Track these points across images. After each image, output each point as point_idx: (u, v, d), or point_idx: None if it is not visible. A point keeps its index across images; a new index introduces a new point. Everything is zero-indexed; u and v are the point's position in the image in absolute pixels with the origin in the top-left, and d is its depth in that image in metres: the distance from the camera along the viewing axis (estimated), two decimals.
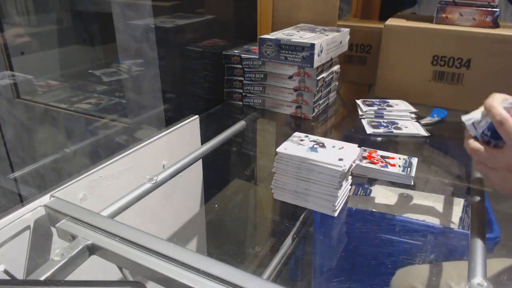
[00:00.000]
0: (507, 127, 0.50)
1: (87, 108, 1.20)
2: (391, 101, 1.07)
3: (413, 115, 1.02)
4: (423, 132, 0.94)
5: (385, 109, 1.03)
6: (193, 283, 0.42)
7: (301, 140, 0.72)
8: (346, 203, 0.71)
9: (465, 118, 0.57)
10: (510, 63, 0.99)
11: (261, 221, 1.17)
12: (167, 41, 1.02)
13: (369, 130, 0.95)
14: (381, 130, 0.95)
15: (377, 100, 1.08)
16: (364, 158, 0.79)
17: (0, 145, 1.14)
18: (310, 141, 0.71)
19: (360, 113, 1.03)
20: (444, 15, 1.07)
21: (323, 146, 0.70)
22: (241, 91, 1.08)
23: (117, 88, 1.23)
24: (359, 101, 1.07)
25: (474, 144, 0.55)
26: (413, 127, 0.96)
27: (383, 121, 0.99)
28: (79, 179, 0.63)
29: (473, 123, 0.56)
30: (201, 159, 0.84)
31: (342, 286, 0.72)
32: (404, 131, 0.95)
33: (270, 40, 0.97)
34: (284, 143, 0.70)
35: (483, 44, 1.00)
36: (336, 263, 0.76)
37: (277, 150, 0.68)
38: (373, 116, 1.02)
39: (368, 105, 1.04)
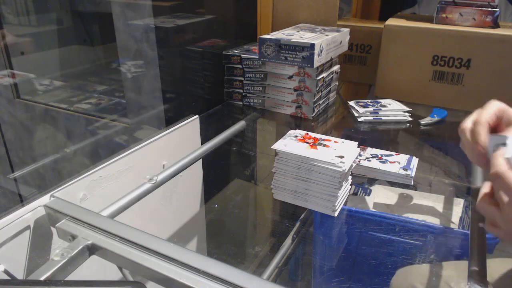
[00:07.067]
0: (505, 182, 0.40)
1: (87, 108, 1.20)
2: (383, 101, 1.08)
3: (407, 114, 1.02)
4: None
5: (380, 109, 1.03)
6: (193, 283, 0.42)
7: (296, 136, 0.72)
8: (346, 203, 0.71)
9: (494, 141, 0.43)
10: (510, 63, 0.99)
11: (261, 221, 1.17)
12: (167, 41, 1.02)
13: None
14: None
15: (370, 100, 1.09)
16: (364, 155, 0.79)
17: (0, 145, 1.14)
18: (310, 140, 0.71)
19: (356, 114, 1.04)
20: (444, 15, 1.07)
21: (323, 145, 0.70)
22: (241, 91, 1.08)
23: (117, 88, 1.23)
24: (351, 103, 1.07)
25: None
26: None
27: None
28: (79, 179, 0.63)
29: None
30: (201, 159, 0.84)
31: (342, 286, 0.72)
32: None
33: (270, 40, 0.97)
34: (280, 140, 0.70)
35: (483, 44, 1.00)
36: (336, 263, 0.76)
37: (275, 147, 0.68)
38: (371, 119, 1.03)
39: (362, 106, 1.05)
